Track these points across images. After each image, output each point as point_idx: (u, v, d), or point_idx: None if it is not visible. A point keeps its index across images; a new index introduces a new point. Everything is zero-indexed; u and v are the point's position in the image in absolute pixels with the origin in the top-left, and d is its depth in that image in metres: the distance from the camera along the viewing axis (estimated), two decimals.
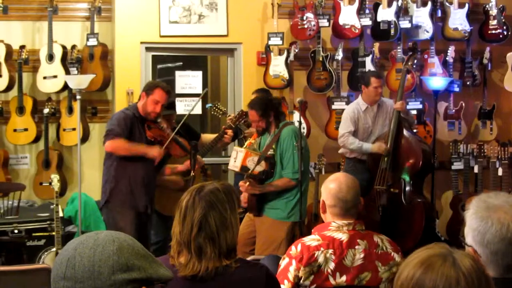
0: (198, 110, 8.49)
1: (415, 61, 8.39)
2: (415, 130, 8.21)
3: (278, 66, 8.28)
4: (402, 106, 7.43)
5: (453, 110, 8.68)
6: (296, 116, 8.00)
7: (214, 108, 7.39)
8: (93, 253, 1.75)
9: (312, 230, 3.72)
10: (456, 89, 8.58)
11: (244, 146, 6.46)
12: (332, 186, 3.67)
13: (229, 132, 6.93)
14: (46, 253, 6.98)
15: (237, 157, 6.33)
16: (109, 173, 6.42)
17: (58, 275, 1.76)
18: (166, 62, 9.55)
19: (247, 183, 6.26)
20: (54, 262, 1.81)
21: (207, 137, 7.16)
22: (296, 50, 8.30)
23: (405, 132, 7.47)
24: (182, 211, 3.02)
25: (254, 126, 6.48)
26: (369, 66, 8.36)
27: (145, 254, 1.82)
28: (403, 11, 8.54)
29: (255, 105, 6.40)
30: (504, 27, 8.56)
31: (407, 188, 7.28)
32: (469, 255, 1.96)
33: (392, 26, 8.39)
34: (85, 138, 8.02)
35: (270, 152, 6.29)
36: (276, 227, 6.29)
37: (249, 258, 4.14)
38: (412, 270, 1.91)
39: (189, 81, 8.51)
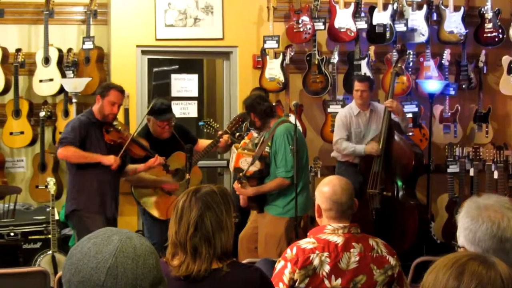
0: (194, 113, 8.50)
1: (411, 63, 8.42)
2: (410, 134, 8.22)
3: (273, 69, 8.28)
4: (393, 104, 7.41)
5: (449, 113, 8.69)
6: (291, 119, 7.99)
7: (207, 126, 7.35)
8: (135, 265, 1.73)
9: (308, 233, 3.73)
10: (452, 92, 8.58)
11: (239, 146, 6.50)
12: (326, 190, 3.68)
13: (225, 137, 6.94)
14: (42, 256, 6.98)
15: (232, 157, 6.43)
16: (75, 179, 6.38)
17: (92, 281, 1.71)
18: (162, 65, 9.56)
19: (239, 185, 6.32)
20: (76, 263, 1.75)
21: (204, 142, 7.15)
22: (292, 53, 8.32)
23: (396, 135, 7.46)
24: (178, 212, 3.05)
25: None
26: (365, 70, 8.37)
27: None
28: (398, 14, 8.55)
29: (244, 101, 6.67)
30: (500, 30, 8.57)
31: (400, 193, 7.28)
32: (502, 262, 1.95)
33: (387, 29, 8.40)
34: None
35: (267, 150, 6.35)
36: (275, 223, 6.39)
37: (243, 262, 4.15)
38: (444, 272, 1.90)
39: (184, 84, 8.52)
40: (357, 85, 7.59)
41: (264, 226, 6.45)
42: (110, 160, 6.26)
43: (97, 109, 6.37)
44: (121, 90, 6.43)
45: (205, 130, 7.42)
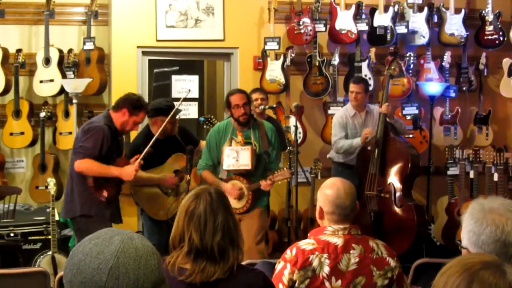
0: (194, 114, 8.50)
1: (411, 66, 8.42)
2: (410, 136, 8.21)
3: (274, 71, 8.29)
4: (388, 109, 7.38)
5: (449, 116, 8.70)
6: (292, 120, 8.01)
7: (207, 122, 7.31)
8: (137, 265, 1.72)
9: (308, 234, 3.72)
10: (452, 94, 8.59)
11: (238, 143, 6.51)
12: (330, 193, 3.66)
13: None
14: (42, 256, 6.98)
15: (239, 156, 6.34)
16: (86, 184, 6.09)
17: (94, 282, 1.70)
18: (163, 66, 9.56)
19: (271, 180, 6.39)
20: (78, 263, 1.74)
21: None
22: (293, 55, 8.33)
23: (392, 137, 7.44)
24: (202, 218, 3.02)
25: (237, 114, 6.38)
26: (366, 71, 8.38)
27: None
28: (399, 17, 8.57)
29: (242, 90, 6.65)
30: (500, 33, 8.58)
31: (397, 194, 7.26)
32: None
33: (388, 31, 8.41)
34: None
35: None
36: (264, 215, 6.68)
37: (243, 263, 4.13)
38: (455, 279, 1.89)
39: (185, 85, 8.50)
40: (352, 87, 7.58)
41: (255, 220, 6.51)
42: (129, 173, 6.02)
43: (119, 121, 6.13)
44: (147, 111, 6.33)
45: (204, 127, 7.39)
